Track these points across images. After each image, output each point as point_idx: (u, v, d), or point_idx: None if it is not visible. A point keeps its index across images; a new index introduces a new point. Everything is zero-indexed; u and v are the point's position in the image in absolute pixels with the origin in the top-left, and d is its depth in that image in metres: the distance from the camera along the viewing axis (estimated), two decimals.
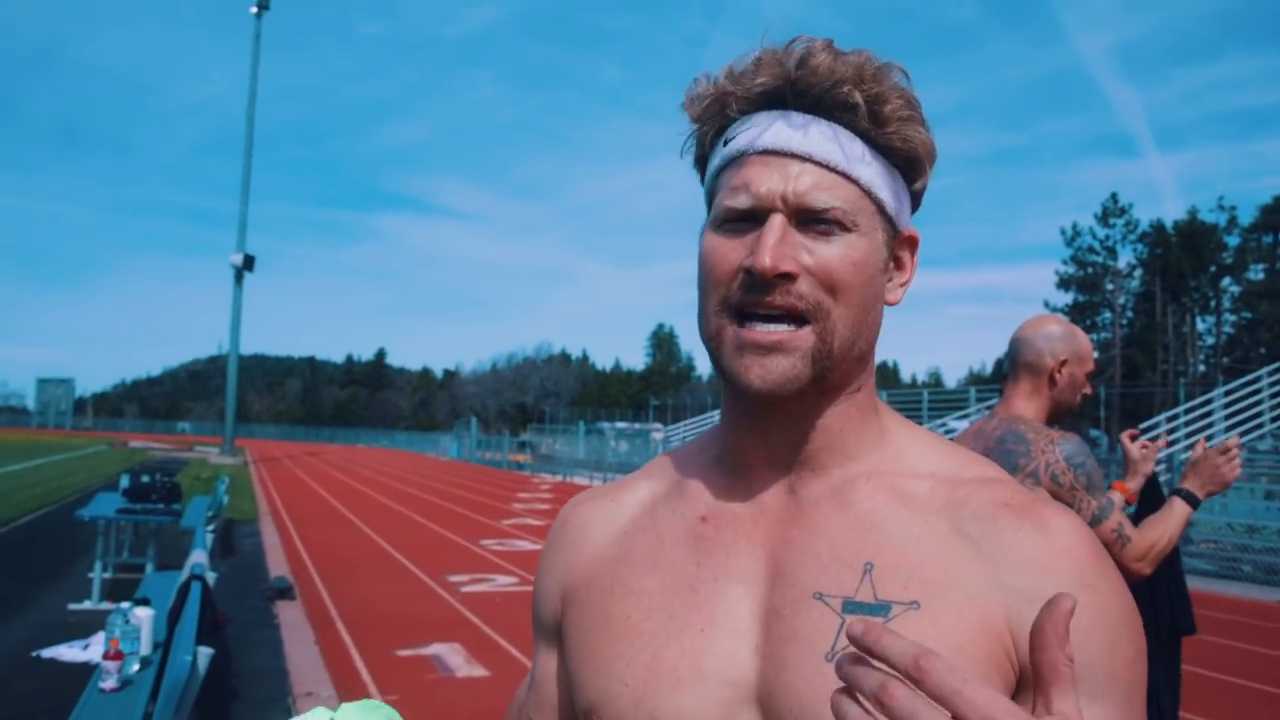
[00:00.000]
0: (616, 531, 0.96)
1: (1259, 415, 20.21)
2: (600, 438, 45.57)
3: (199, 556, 5.36)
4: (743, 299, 0.83)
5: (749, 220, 0.84)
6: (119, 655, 4.06)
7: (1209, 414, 20.72)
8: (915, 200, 0.90)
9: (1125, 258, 61.47)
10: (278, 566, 11.19)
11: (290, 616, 8.38)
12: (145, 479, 9.97)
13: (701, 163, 0.93)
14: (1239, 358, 54.45)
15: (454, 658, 7.11)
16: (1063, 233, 62.34)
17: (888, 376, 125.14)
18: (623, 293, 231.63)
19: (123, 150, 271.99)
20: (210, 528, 9.16)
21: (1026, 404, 2.67)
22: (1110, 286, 61.13)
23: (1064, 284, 62.58)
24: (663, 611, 0.87)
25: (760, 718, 0.81)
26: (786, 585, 0.83)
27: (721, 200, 0.86)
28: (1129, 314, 61.46)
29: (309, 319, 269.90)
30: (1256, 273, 59.55)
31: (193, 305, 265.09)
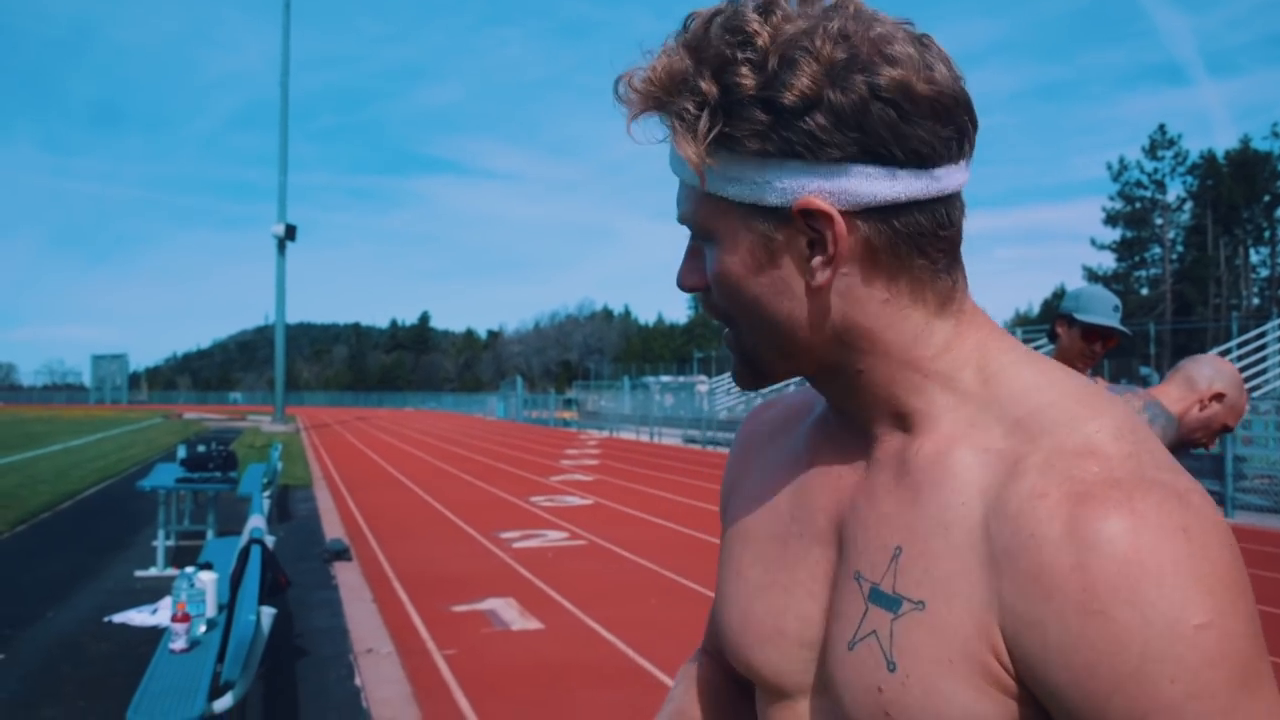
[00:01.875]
0: (760, 458, 0.96)
1: None
2: (645, 392, 45.69)
3: (257, 521, 5.51)
4: None
5: None
6: (186, 618, 4.21)
7: (1263, 347, 20.34)
8: (843, 151, 0.73)
9: (1175, 191, 60.30)
10: (333, 529, 11.42)
11: (348, 577, 8.58)
12: (201, 449, 10.19)
13: None
14: None
15: (509, 612, 7.25)
16: (1109, 168, 61.25)
17: None
18: (663, 246, 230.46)
19: (161, 128, 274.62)
20: (266, 494, 9.36)
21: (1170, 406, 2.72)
22: (1159, 221, 59.91)
23: (1111, 220, 61.46)
24: (760, 563, 0.88)
25: (829, 682, 0.80)
26: (844, 555, 0.80)
27: None
28: (1179, 248, 60.25)
29: (352, 286, 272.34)
30: None
31: (238, 277, 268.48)
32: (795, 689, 0.84)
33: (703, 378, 51.57)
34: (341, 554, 9.47)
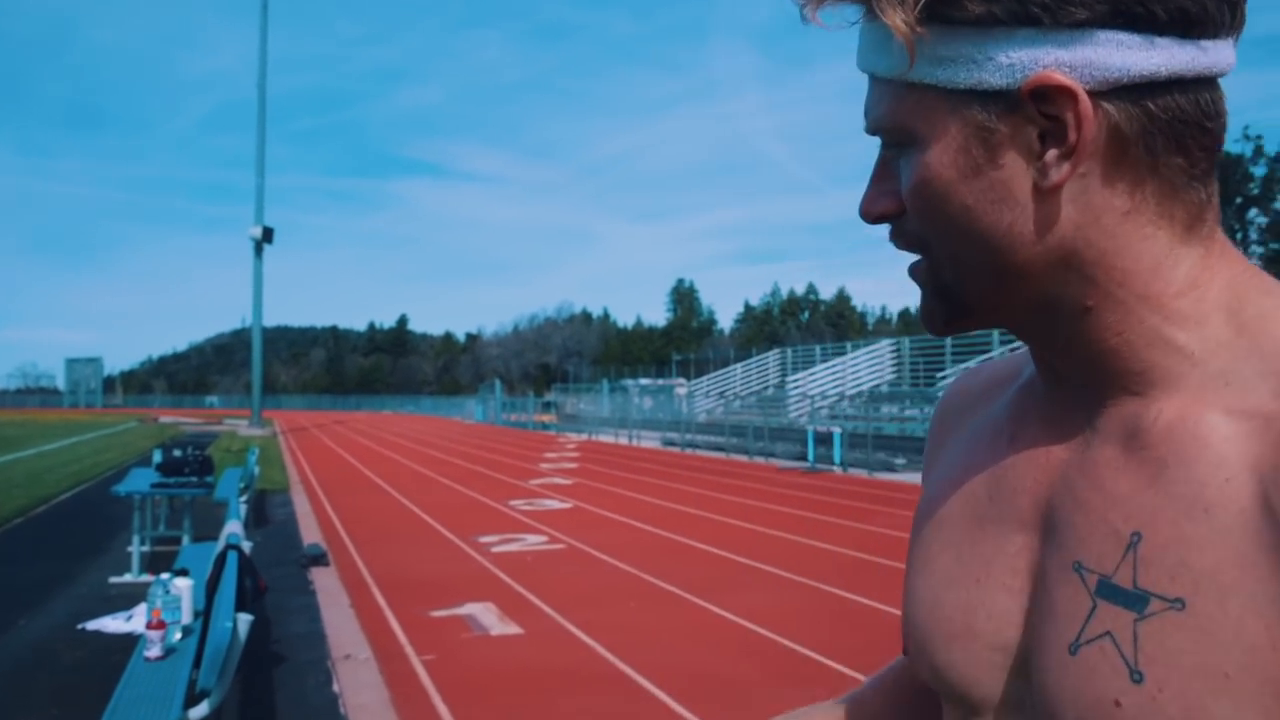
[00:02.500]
0: (957, 433, 0.83)
1: None
2: (624, 395, 45.74)
3: (234, 526, 5.47)
4: None
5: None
6: (161, 625, 4.17)
7: None
8: (1093, 14, 0.59)
9: None
10: (310, 534, 11.36)
11: (325, 582, 8.53)
12: (177, 453, 10.12)
13: None
14: None
15: (487, 616, 7.23)
16: None
17: (910, 323, 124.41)
18: (641, 249, 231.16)
19: (137, 129, 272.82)
20: (243, 498, 9.31)
21: None
22: None
23: None
24: (953, 550, 0.75)
25: (1028, 694, 0.66)
26: (1055, 543, 0.66)
27: None
28: None
29: (330, 289, 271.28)
30: None
31: (215, 280, 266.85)
32: (984, 702, 0.71)
33: (681, 380, 51.70)
34: (319, 559, 9.41)
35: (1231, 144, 60.89)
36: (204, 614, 4.41)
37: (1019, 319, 0.68)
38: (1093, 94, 0.59)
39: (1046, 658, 0.64)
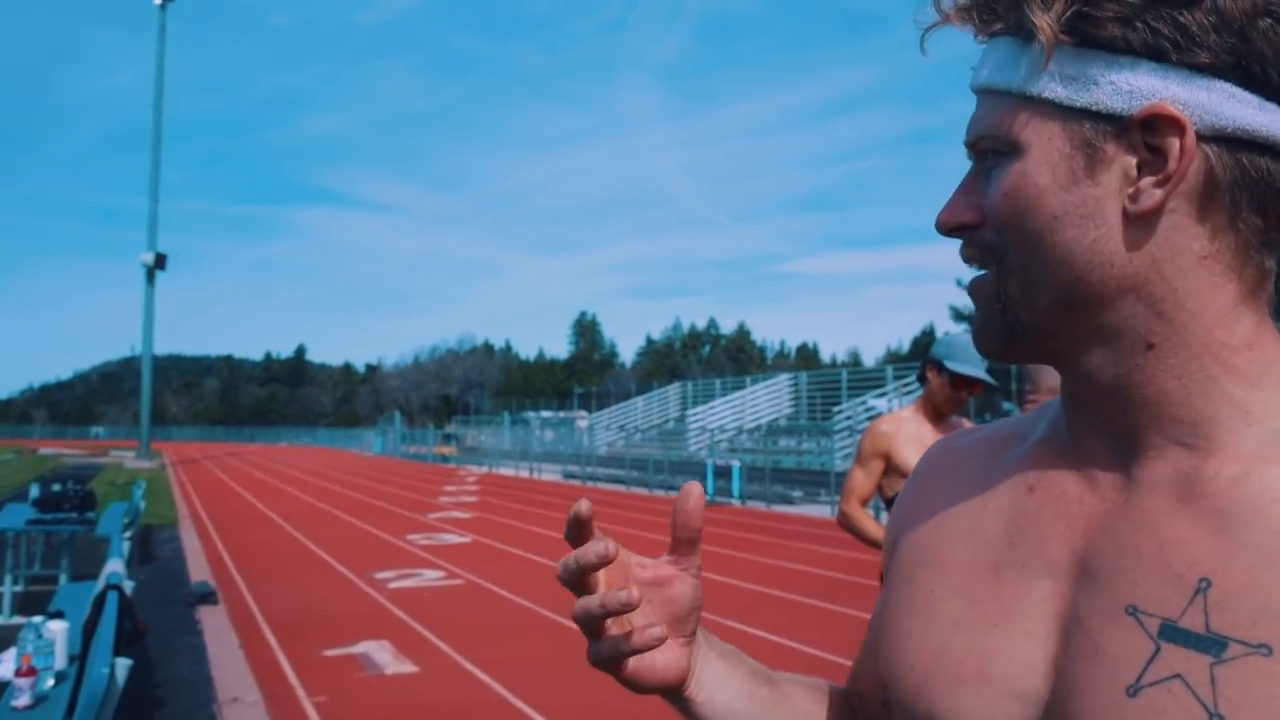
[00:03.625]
0: (954, 485, 0.82)
1: None
2: (525, 427, 45.50)
3: (115, 565, 5.26)
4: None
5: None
6: (32, 671, 3.98)
7: None
8: (1201, 57, 0.62)
9: None
10: (199, 571, 10.99)
11: (213, 621, 8.25)
12: (57, 487, 9.70)
13: None
14: None
15: (382, 655, 7.08)
16: None
17: (808, 358, 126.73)
18: (545, 282, 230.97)
19: (24, 148, 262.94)
20: (127, 535, 8.96)
21: None
22: None
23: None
24: (962, 594, 0.74)
25: None
26: (1098, 589, 0.66)
27: None
28: None
29: (225, 317, 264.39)
30: None
31: (103, 306, 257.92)
32: None
33: (583, 413, 51.66)
34: (207, 597, 9.11)
35: None
36: (80, 659, 4.22)
37: (1076, 349, 0.68)
38: (1197, 135, 0.62)
39: (1091, 700, 0.63)
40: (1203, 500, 0.63)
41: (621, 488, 27.19)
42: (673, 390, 46.25)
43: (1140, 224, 0.64)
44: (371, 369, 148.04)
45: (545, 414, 56.01)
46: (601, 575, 0.80)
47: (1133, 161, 0.64)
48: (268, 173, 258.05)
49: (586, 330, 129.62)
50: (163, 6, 42.61)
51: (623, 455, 32.76)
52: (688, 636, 0.82)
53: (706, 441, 34.16)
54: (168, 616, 8.33)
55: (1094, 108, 0.64)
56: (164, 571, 11.06)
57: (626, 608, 0.75)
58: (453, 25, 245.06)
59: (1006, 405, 21.52)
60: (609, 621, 0.79)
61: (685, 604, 0.81)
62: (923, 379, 3.70)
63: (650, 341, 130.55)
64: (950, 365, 3.54)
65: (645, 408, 46.14)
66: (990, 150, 0.69)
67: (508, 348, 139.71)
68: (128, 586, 4.88)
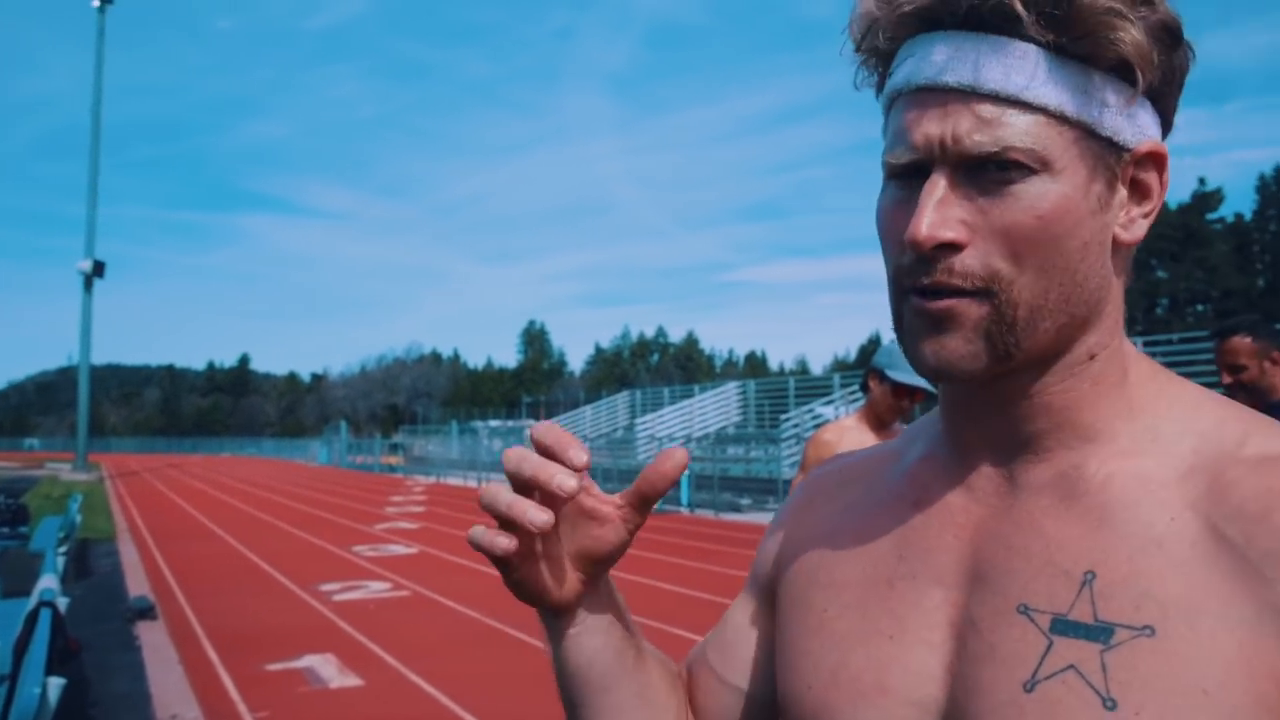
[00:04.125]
0: (839, 507, 0.85)
1: None
2: (474, 437, 45.20)
3: (48, 581, 5.14)
4: (912, 277, 0.69)
5: (915, 175, 0.69)
6: None
7: None
8: (1167, 104, 0.70)
9: None
10: (138, 586, 10.77)
11: (152, 637, 8.09)
12: None
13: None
14: None
15: (327, 669, 6.98)
16: None
17: (756, 366, 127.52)
18: (493, 290, 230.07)
19: None
20: (62, 549, 8.78)
21: None
22: None
23: None
24: (856, 610, 0.76)
25: None
26: (989, 591, 0.69)
27: (884, 153, 0.72)
28: None
29: (166, 326, 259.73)
30: None
31: (39, 315, 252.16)
32: None
33: (531, 422, 51.36)
34: (146, 612, 8.92)
35: None
36: (10, 678, 4.12)
37: (1042, 368, 0.70)
38: None
39: (990, 700, 0.66)
40: (1084, 498, 0.68)
41: None
42: (621, 399, 46.26)
43: (1122, 251, 0.70)
44: (317, 378, 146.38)
45: (494, 423, 55.74)
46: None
47: (1124, 193, 0.69)
48: (210, 179, 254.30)
49: (535, 339, 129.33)
50: (101, 9, 41.89)
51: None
52: (590, 578, 0.79)
53: (655, 450, 34.16)
54: (105, 633, 8.15)
55: (1115, 137, 0.67)
56: (101, 586, 10.83)
57: (562, 491, 0.70)
58: (400, 32, 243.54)
59: None
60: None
61: (605, 549, 0.77)
62: (865, 388, 3.73)
63: (599, 350, 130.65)
64: (892, 375, 3.58)
65: (594, 417, 46.08)
66: (1010, 161, 0.65)
67: (456, 356, 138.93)
68: (62, 603, 4.78)
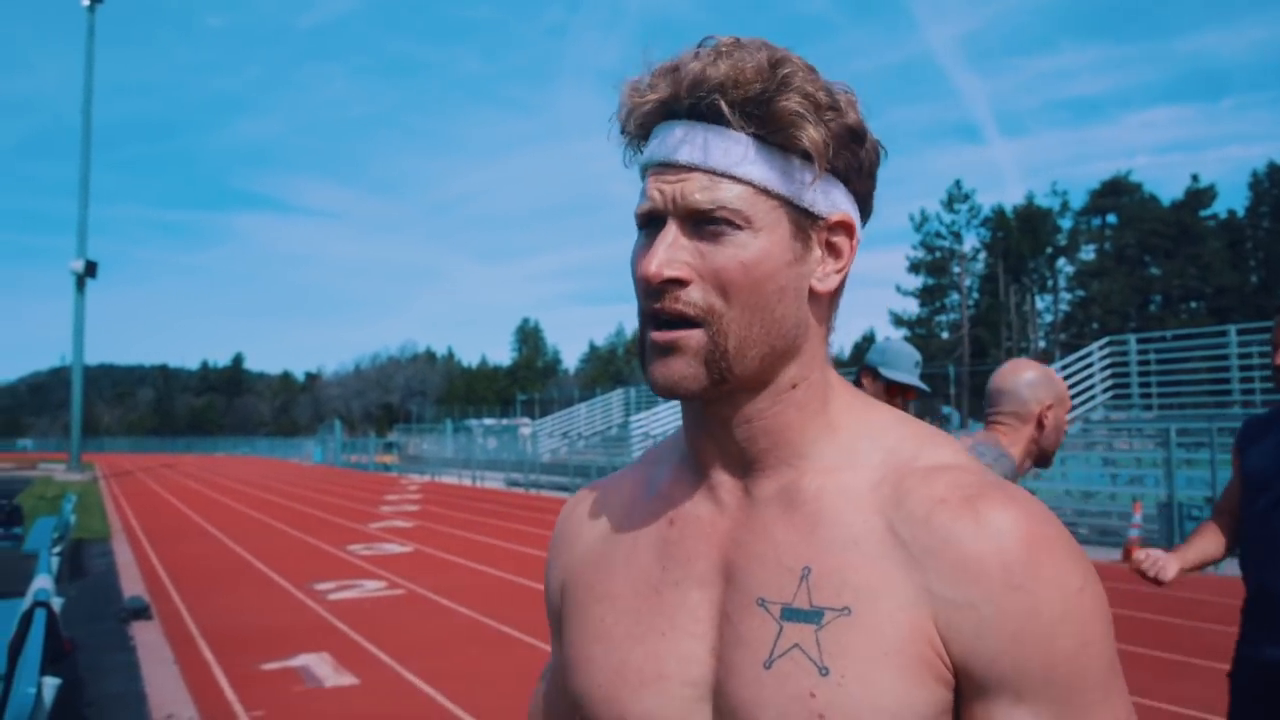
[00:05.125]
0: (603, 531, 1.00)
1: (1091, 388, 21.44)
2: (468, 435, 45.16)
3: (43, 582, 5.14)
4: (648, 305, 0.85)
5: (656, 226, 0.86)
6: None
7: None
8: (858, 186, 0.89)
9: (970, 241, 64.09)
10: (132, 586, 10.76)
11: (147, 637, 8.09)
12: None
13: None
14: (1074, 333, 57.42)
15: (322, 668, 6.99)
16: (912, 219, 64.54)
17: None
18: (487, 288, 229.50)
19: None
20: (56, 550, 8.76)
21: (1010, 447, 2.61)
22: (957, 269, 63.63)
23: (914, 268, 64.84)
24: (631, 615, 0.91)
25: (713, 715, 0.85)
26: (736, 589, 0.85)
27: (635, 210, 0.89)
28: (975, 295, 64.08)
29: (160, 325, 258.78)
30: (1088, 253, 63.05)
31: (31, 315, 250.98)
32: None
33: (526, 420, 51.40)
34: (141, 612, 8.92)
35: (1041, 199, 65.16)
36: (5, 679, 4.12)
37: (754, 392, 0.87)
38: None
39: (741, 677, 0.83)
40: (802, 507, 0.85)
41: (565, 495, 27.12)
42: (616, 397, 46.21)
43: (816, 299, 0.87)
44: (311, 377, 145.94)
45: (488, 421, 55.65)
46: None
47: (819, 252, 0.87)
48: (202, 177, 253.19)
49: (529, 337, 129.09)
50: (91, 7, 41.72)
51: (566, 462, 32.65)
52: None
53: (650, 448, 34.12)
54: (100, 633, 8.15)
55: (810, 208, 0.85)
56: (96, 587, 10.82)
57: None
58: (392, 29, 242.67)
59: (945, 410, 21.83)
60: None
61: None
62: (858, 385, 3.75)
63: (593, 348, 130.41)
64: (885, 373, 3.60)
65: (589, 414, 46.04)
66: (721, 219, 0.83)
67: (450, 355, 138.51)
68: (56, 603, 4.77)
